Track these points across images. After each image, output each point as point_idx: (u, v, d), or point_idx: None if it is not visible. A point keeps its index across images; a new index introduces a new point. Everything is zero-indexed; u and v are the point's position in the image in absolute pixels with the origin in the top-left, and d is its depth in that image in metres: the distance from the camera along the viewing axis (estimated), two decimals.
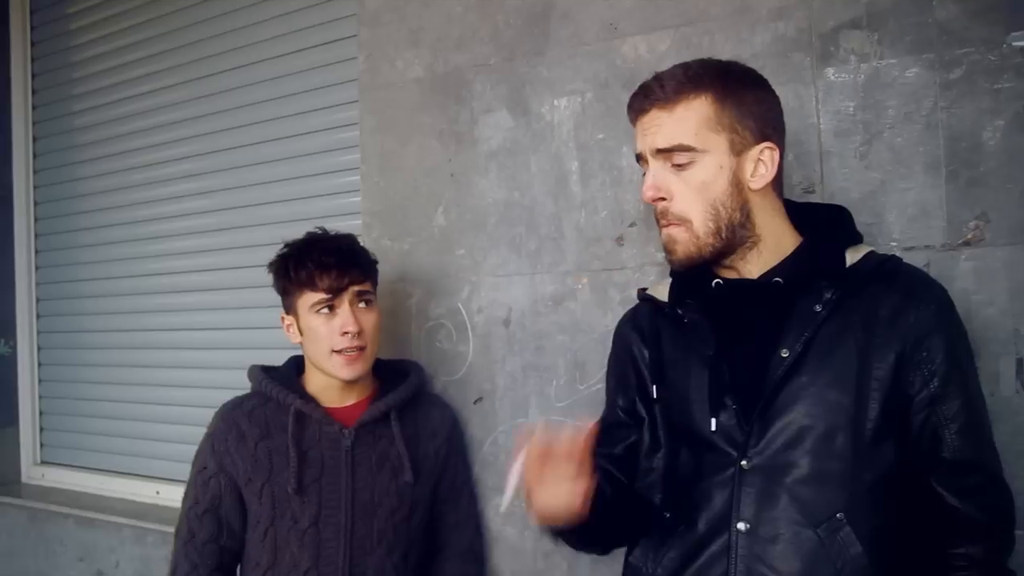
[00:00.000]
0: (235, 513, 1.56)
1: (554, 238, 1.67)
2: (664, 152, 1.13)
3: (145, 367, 2.59)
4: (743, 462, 1.10)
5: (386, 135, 1.89)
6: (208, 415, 2.42)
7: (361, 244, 1.61)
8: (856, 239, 1.17)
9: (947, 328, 1.10)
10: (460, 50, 1.79)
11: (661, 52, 1.55)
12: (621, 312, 1.57)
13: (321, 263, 1.48)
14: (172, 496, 2.45)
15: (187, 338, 2.50)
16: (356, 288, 1.50)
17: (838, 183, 1.40)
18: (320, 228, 1.60)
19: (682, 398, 1.19)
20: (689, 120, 1.11)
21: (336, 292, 1.48)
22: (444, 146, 1.81)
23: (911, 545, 1.08)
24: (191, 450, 2.44)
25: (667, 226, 1.17)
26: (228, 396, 2.38)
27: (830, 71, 1.40)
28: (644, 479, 1.26)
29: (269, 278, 1.61)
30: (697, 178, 1.12)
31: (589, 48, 1.63)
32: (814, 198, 1.39)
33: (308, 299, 1.50)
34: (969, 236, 1.30)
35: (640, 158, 1.19)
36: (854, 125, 1.38)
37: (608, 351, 1.59)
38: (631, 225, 1.58)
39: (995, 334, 1.27)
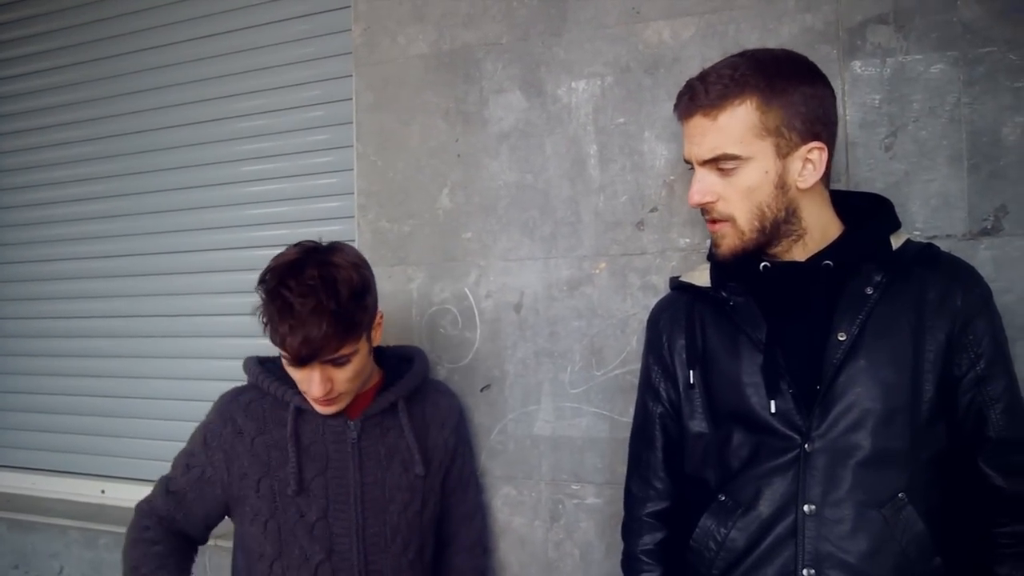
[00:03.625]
0: (199, 505, 1.47)
1: (570, 222, 1.64)
2: (709, 161, 1.14)
3: (83, 356, 2.40)
4: (806, 445, 1.11)
5: (385, 113, 1.81)
6: (157, 407, 2.28)
7: (352, 288, 1.33)
8: (897, 226, 1.21)
9: (990, 313, 1.15)
10: (469, 27, 1.74)
11: (685, 39, 1.55)
12: (641, 297, 1.58)
13: (290, 330, 1.30)
14: (120, 495, 2.29)
15: (133, 325, 2.33)
16: (327, 357, 1.34)
17: (863, 173, 1.44)
18: (309, 249, 1.37)
19: (734, 382, 1.19)
20: (733, 128, 1.11)
21: (303, 363, 1.34)
22: (451, 126, 1.75)
23: (961, 523, 1.12)
24: (138, 444, 2.29)
25: (712, 223, 1.19)
26: (178, 387, 2.25)
27: (857, 64, 1.44)
28: (691, 462, 1.25)
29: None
30: (743, 183, 1.13)
31: (610, 31, 1.61)
32: (839, 187, 1.42)
33: (279, 349, 1.36)
34: (989, 226, 1.36)
35: (687, 159, 1.20)
36: (879, 117, 1.43)
37: (627, 336, 1.59)
38: (652, 210, 1.57)
39: (1012, 319, 1.33)
